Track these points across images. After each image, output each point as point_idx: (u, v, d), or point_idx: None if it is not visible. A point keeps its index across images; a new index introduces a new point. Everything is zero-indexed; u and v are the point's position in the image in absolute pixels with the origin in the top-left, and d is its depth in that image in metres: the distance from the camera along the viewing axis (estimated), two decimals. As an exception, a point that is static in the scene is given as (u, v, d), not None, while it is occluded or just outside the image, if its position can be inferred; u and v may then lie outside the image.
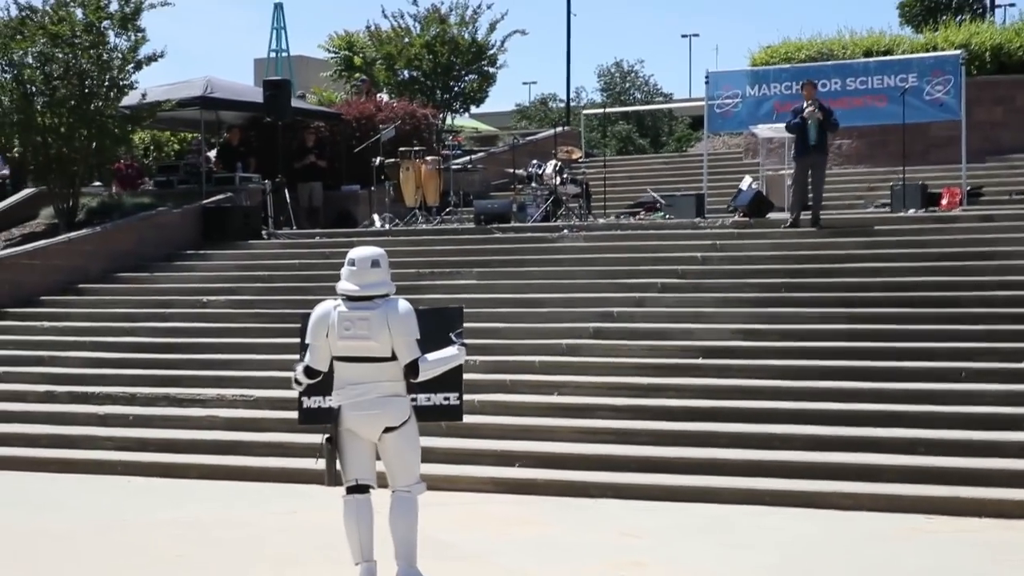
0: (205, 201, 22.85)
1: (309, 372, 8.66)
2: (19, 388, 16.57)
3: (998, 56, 26.76)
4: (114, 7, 22.34)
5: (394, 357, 8.49)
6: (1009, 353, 14.25)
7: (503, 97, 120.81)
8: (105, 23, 22.23)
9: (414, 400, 8.77)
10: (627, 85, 65.05)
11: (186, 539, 10.70)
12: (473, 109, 36.99)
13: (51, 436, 14.99)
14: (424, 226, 22.28)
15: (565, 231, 20.23)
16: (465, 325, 17.16)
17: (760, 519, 11.14)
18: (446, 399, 9.16)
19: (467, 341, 9.02)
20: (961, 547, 10.08)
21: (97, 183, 24.64)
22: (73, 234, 21.32)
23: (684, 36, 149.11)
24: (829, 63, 24.55)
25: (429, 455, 13.19)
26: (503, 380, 14.93)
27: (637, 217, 22.23)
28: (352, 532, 8.54)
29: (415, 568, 8.61)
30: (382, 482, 8.70)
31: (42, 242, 21.12)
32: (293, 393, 9.23)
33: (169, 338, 17.80)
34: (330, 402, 8.73)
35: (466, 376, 15.00)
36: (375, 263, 8.55)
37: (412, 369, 8.50)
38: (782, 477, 12.13)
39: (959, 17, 35.22)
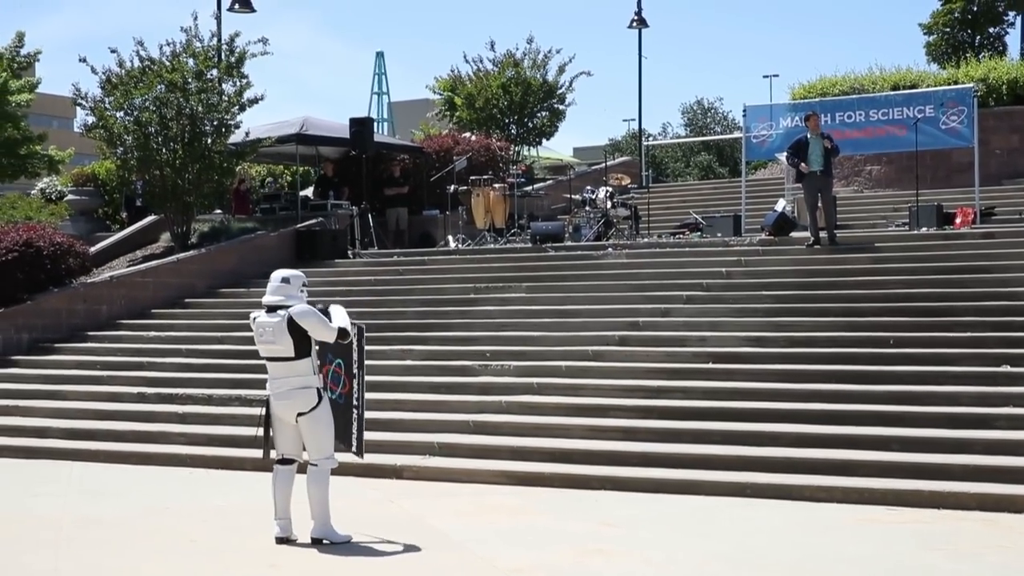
0: (299, 225, 22.85)
1: None
2: (117, 390, 16.59)
3: (1014, 89, 26.07)
4: (221, 56, 22.54)
5: (297, 356, 9.26)
6: (991, 358, 13.63)
7: (602, 132, 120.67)
8: (213, 71, 22.41)
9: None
10: (707, 120, 64.12)
11: (208, 523, 10.55)
12: (574, 143, 37.03)
13: (135, 432, 14.94)
14: (491, 245, 22.03)
15: (609, 249, 19.83)
16: (508, 334, 16.91)
17: (736, 510, 10.68)
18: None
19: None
20: (903, 535, 9.55)
21: (218, 211, 24.80)
22: (182, 255, 21.45)
23: (765, 77, 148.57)
24: (855, 96, 23.83)
25: (455, 451, 13.08)
26: (531, 383, 14.64)
27: (677, 236, 21.76)
28: (274, 494, 9.43)
29: (328, 525, 9.35)
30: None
31: (155, 262, 21.24)
32: None
33: (252, 345, 17.60)
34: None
35: (499, 379, 14.92)
36: (285, 280, 9.52)
37: (343, 334, 9.32)
38: (766, 472, 11.64)
39: (980, 55, 34.25)
